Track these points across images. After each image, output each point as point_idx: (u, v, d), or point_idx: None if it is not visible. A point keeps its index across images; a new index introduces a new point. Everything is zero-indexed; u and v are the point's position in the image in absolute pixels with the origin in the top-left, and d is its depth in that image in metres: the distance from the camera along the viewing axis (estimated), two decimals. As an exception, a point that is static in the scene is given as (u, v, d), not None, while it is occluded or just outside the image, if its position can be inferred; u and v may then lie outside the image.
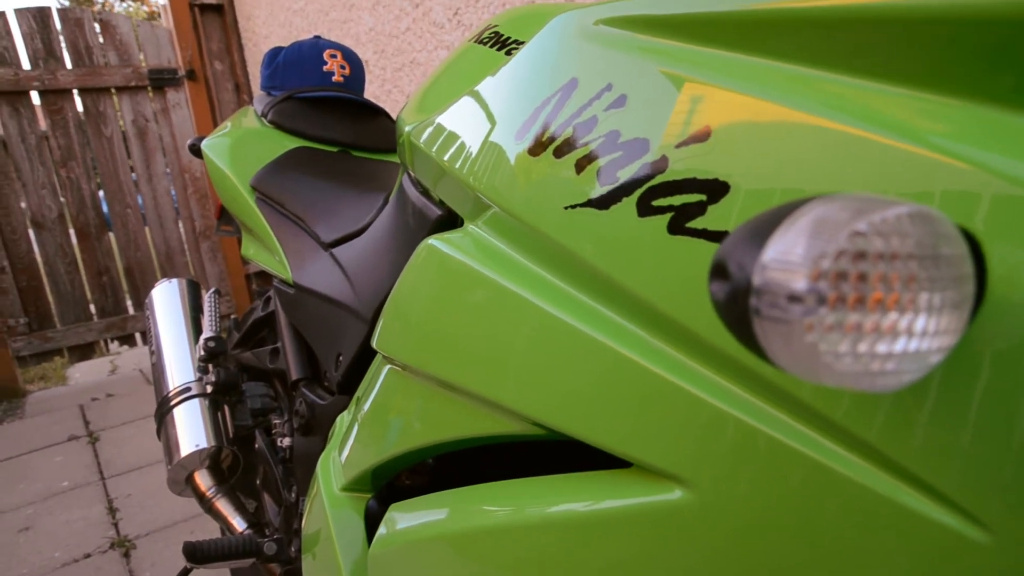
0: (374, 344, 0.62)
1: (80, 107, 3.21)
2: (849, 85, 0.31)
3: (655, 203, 0.35)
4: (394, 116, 1.69)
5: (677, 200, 0.34)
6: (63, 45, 3.13)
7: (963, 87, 0.27)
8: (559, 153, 0.41)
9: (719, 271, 0.21)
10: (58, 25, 3.10)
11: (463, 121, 0.55)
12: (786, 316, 0.19)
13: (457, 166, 0.53)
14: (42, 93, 3.10)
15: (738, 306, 0.20)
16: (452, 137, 0.55)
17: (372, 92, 2.41)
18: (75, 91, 3.17)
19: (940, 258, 0.20)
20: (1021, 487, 0.24)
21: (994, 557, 0.24)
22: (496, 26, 0.66)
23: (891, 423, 0.26)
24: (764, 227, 0.20)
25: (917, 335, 0.19)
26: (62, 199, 3.24)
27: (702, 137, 0.34)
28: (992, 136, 0.26)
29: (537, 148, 0.43)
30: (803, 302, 0.19)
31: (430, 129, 0.60)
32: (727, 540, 0.32)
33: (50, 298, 3.27)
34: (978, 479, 0.24)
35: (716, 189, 0.32)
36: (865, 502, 0.27)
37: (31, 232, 3.17)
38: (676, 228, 0.33)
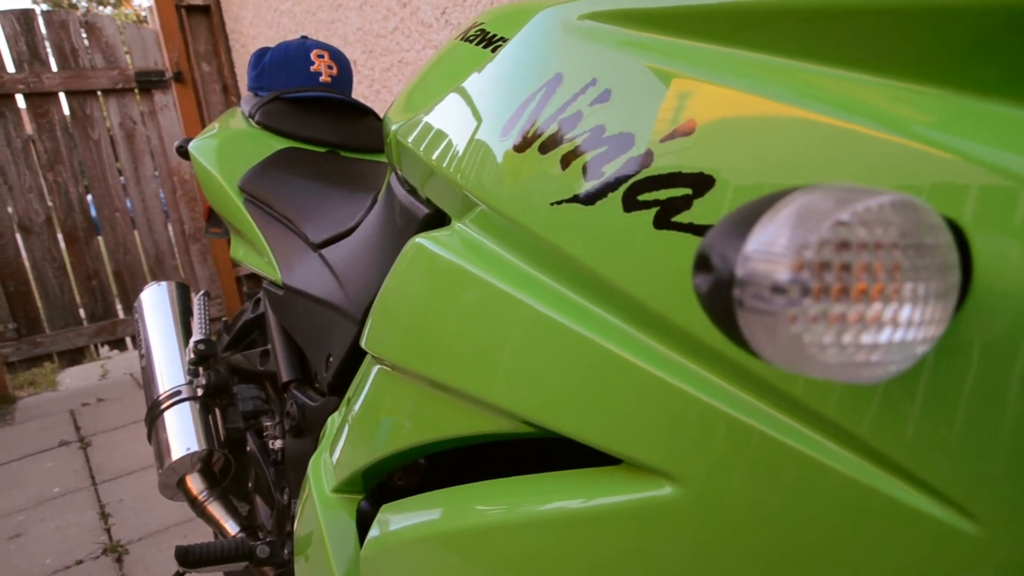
0: (363, 344, 0.61)
1: (66, 110, 3.19)
2: (834, 77, 0.30)
3: (641, 198, 0.34)
4: (382, 116, 1.69)
5: (663, 194, 0.33)
6: (48, 48, 3.10)
7: (949, 77, 0.27)
8: (544, 149, 0.41)
9: (702, 263, 0.20)
10: (43, 28, 3.07)
11: (449, 119, 0.55)
12: (769, 308, 0.19)
13: (444, 164, 0.52)
14: (27, 96, 3.07)
15: (721, 298, 0.19)
16: (438, 135, 0.55)
17: (360, 92, 2.40)
18: (61, 94, 3.15)
19: (924, 247, 0.19)
20: (1010, 479, 0.23)
21: (984, 548, 0.24)
22: (482, 23, 0.66)
23: (881, 417, 0.26)
24: (747, 218, 0.20)
25: (902, 325, 0.19)
26: (49, 203, 3.21)
27: (687, 131, 0.34)
28: (977, 126, 0.25)
29: (523, 145, 0.43)
30: (786, 293, 0.18)
31: (417, 128, 0.60)
32: (718, 535, 0.32)
33: (39, 303, 3.24)
34: (968, 472, 0.24)
35: (701, 183, 0.32)
36: (855, 496, 0.27)
37: (18, 236, 3.14)
38: (662, 222, 0.33)
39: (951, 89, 0.27)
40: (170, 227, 3.53)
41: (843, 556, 0.28)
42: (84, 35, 3.16)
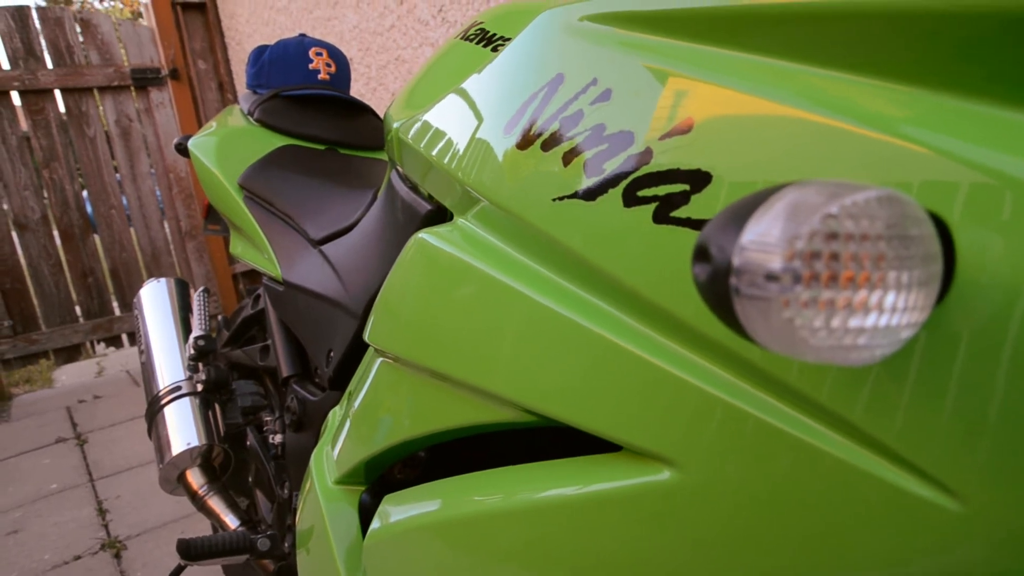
0: (366, 337, 0.62)
1: (62, 107, 3.18)
2: (827, 78, 0.32)
3: (640, 193, 0.36)
4: (380, 114, 1.70)
5: (662, 190, 0.35)
6: (43, 44, 3.09)
7: (937, 79, 0.28)
8: (547, 147, 0.42)
9: (701, 254, 0.22)
10: (37, 24, 3.07)
11: (451, 117, 0.56)
12: (764, 294, 0.20)
13: (446, 161, 0.53)
14: (22, 93, 3.07)
15: (719, 286, 0.21)
16: (441, 132, 0.56)
17: (357, 90, 2.41)
18: (57, 91, 3.14)
19: (908, 238, 0.21)
20: (992, 460, 0.25)
21: (966, 525, 0.26)
22: (482, 23, 0.67)
23: (871, 402, 0.27)
24: (743, 211, 0.21)
25: (887, 311, 0.21)
26: (45, 200, 3.21)
27: (685, 129, 0.35)
28: (963, 126, 0.27)
29: (525, 142, 0.44)
30: (779, 280, 0.20)
31: (418, 125, 0.61)
32: (716, 518, 0.33)
33: (34, 300, 3.24)
34: (953, 453, 0.26)
35: (699, 179, 0.33)
36: (846, 478, 0.29)
37: (14, 234, 3.14)
38: (661, 218, 0.34)
39: (939, 90, 0.28)
40: (166, 224, 3.53)
41: (835, 536, 0.29)
42: (79, 32, 3.16)
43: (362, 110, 1.41)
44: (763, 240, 0.20)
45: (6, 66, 3.03)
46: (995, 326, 0.24)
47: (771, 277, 0.20)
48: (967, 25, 0.27)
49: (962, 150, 0.26)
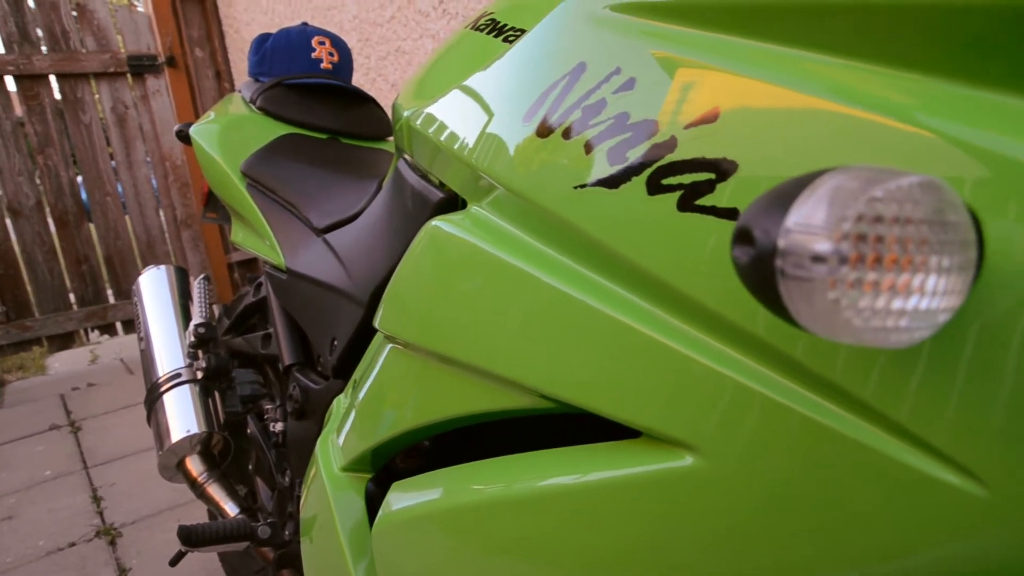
0: (376, 324, 0.62)
1: (57, 93, 3.15)
2: (852, 68, 0.32)
3: (664, 182, 0.36)
4: (381, 104, 1.69)
5: (686, 179, 0.35)
6: (38, 29, 3.07)
7: (961, 71, 0.29)
8: (568, 135, 0.42)
9: (743, 237, 0.22)
10: (32, 8, 3.04)
11: (467, 106, 0.56)
12: (810, 275, 0.20)
13: (462, 150, 0.54)
14: (17, 78, 3.04)
15: (763, 268, 0.21)
16: (456, 121, 0.56)
17: (357, 80, 2.40)
18: (52, 77, 3.12)
19: (947, 224, 0.21)
20: (1014, 443, 0.25)
21: (990, 510, 0.26)
22: (492, 13, 0.67)
23: (890, 385, 0.28)
24: (785, 195, 0.21)
25: (928, 294, 0.21)
26: (40, 186, 3.19)
27: (710, 119, 0.35)
28: (988, 117, 0.27)
29: (545, 130, 0.44)
30: (826, 262, 0.20)
31: (431, 114, 0.61)
32: (739, 504, 0.33)
33: (28, 287, 3.22)
34: (973, 436, 0.26)
35: (724, 168, 0.34)
36: (868, 461, 0.29)
37: (8, 220, 3.12)
38: (685, 205, 0.35)
39: (963, 82, 0.29)
40: (162, 213, 3.51)
41: (859, 521, 0.30)
42: (75, 17, 3.13)
43: (364, 100, 1.40)
44: (808, 222, 0.20)
45: (1, 50, 3.00)
46: (1020, 312, 0.25)
47: (818, 259, 0.20)
48: (989, 18, 0.27)
49: (987, 141, 0.26)
